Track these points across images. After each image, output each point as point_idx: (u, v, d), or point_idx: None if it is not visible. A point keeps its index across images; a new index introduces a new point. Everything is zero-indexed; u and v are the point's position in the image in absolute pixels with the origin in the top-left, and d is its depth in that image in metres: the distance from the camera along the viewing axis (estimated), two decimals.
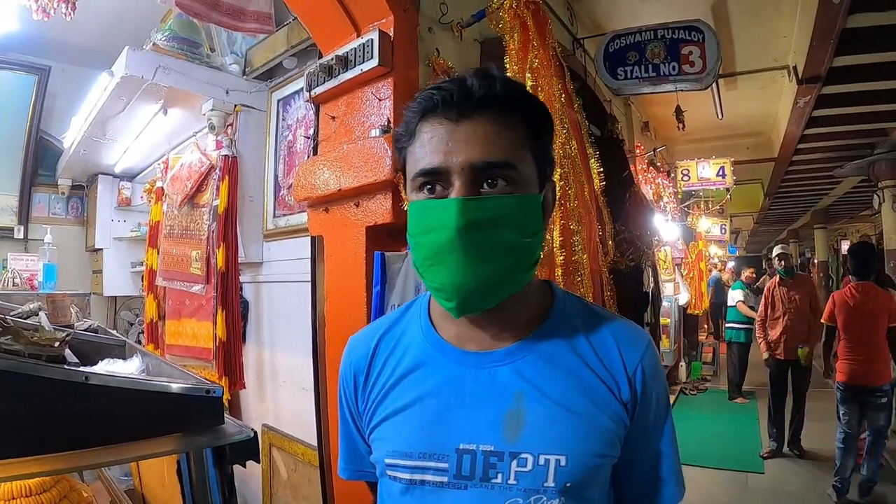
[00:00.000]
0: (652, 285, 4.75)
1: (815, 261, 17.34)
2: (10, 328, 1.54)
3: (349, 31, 2.35)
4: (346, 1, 2.28)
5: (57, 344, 1.62)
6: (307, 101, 2.58)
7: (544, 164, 0.95)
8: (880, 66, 5.50)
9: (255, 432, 1.57)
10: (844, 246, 16.21)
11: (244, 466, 1.56)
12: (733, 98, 7.11)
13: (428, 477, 0.92)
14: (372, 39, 2.17)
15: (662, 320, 7.30)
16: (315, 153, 2.56)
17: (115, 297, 5.58)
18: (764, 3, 4.94)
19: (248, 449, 1.54)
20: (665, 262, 7.48)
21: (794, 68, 5.75)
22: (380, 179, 2.07)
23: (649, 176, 6.71)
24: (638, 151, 6.28)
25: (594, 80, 4.15)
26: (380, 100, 2.23)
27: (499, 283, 0.89)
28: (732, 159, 8.52)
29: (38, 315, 2.21)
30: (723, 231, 12.11)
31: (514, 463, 0.89)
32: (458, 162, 0.86)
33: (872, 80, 5.82)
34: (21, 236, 5.28)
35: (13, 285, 4.30)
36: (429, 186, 0.90)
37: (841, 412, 4.60)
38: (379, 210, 2.16)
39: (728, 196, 9.59)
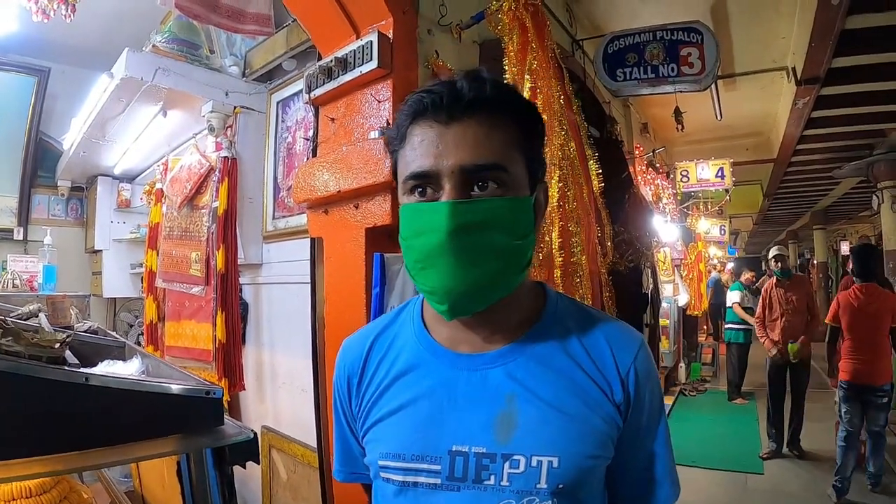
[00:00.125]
0: (651, 286, 4.76)
1: (815, 261, 17.31)
2: (11, 329, 1.54)
3: (348, 33, 2.35)
4: (345, 3, 2.28)
5: (57, 345, 1.63)
6: (306, 102, 2.59)
7: (535, 166, 0.96)
8: (879, 67, 5.51)
9: (255, 433, 1.58)
10: (843, 247, 16.23)
11: (244, 467, 1.56)
12: (732, 99, 7.11)
13: (421, 479, 0.92)
14: (371, 41, 2.17)
15: (662, 321, 7.31)
16: (314, 155, 2.56)
17: (115, 298, 5.56)
18: (763, 5, 4.94)
19: (247, 450, 1.54)
20: (664, 263, 7.49)
21: (793, 69, 5.76)
22: (379, 181, 2.07)
23: (648, 177, 6.72)
24: (637, 153, 6.29)
25: (593, 82, 4.16)
26: (379, 101, 2.23)
27: (490, 285, 0.90)
28: (731, 160, 8.54)
29: (37, 316, 2.21)
30: (722, 232, 12.13)
31: (506, 464, 0.89)
32: (449, 165, 0.86)
33: (871, 80, 5.83)
34: (21, 238, 5.27)
35: (13, 287, 4.31)
36: (420, 189, 0.90)
37: (843, 410, 4.65)
38: (378, 212, 2.16)
39: (727, 197, 9.62)
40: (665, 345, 8.00)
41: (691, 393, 8.87)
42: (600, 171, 2.96)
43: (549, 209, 2.28)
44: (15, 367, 1.35)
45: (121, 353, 2.33)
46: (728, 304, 8.33)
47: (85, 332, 2.45)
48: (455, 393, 0.94)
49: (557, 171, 2.32)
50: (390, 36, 2.22)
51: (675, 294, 8.26)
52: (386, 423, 0.99)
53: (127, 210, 5.33)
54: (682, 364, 9.29)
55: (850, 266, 6.22)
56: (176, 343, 3.70)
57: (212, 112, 3.36)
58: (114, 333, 2.89)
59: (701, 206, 10.22)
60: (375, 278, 2.03)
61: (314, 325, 2.50)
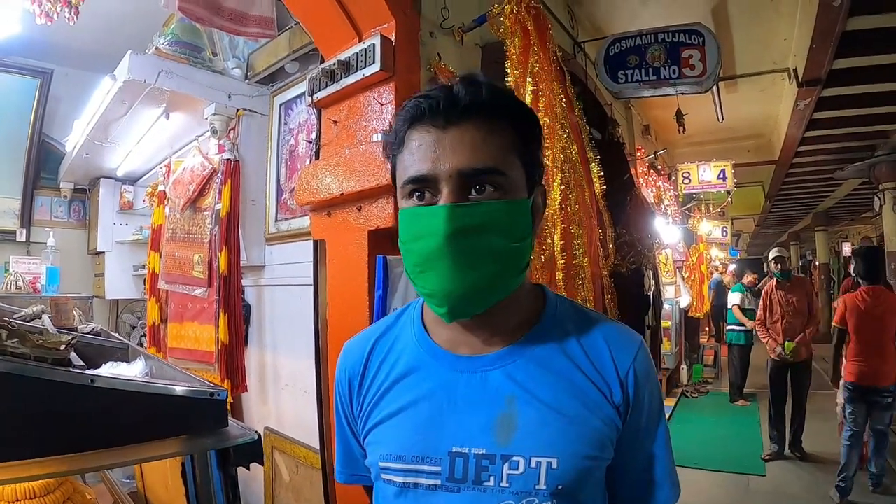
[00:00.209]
0: (653, 288, 4.76)
1: (817, 263, 17.31)
2: (17, 331, 1.55)
3: (351, 36, 2.36)
4: (347, 6, 2.29)
5: (62, 347, 1.63)
6: (309, 105, 2.59)
7: (533, 169, 0.96)
8: (880, 69, 5.51)
9: (260, 434, 1.58)
10: (845, 248, 16.22)
11: (248, 468, 1.57)
12: (734, 101, 7.11)
13: (421, 480, 0.93)
14: (374, 44, 2.18)
15: (664, 323, 7.33)
16: (317, 157, 2.57)
17: (117, 300, 5.57)
18: (764, 6, 4.94)
19: (252, 451, 1.54)
20: (666, 264, 7.49)
21: (795, 71, 5.75)
22: (382, 184, 2.07)
23: (650, 179, 6.71)
24: (639, 154, 6.29)
25: (594, 84, 4.16)
26: (382, 104, 2.24)
27: (488, 288, 0.90)
28: (733, 162, 8.53)
29: (41, 318, 2.22)
30: (724, 234, 12.12)
31: (505, 466, 0.89)
32: (446, 169, 0.87)
33: (872, 82, 5.82)
34: (23, 239, 5.28)
35: (16, 288, 4.31)
36: (418, 193, 0.91)
37: (847, 411, 4.68)
38: (381, 214, 2.17)
39: (729, 199, 9.62)
40: (667, 346, 8.00)
41: (693, 395, 8.86)
42: (602, 173, 2.96)
43: (551, 211, 2.29)
44: (21, 369, 1.36)
45: (124, 355, 2.33)
46: (728, 305, 8.34)
47: (88, 333, 2.45)
48: (455, 395, 0.95)
49: (559, 174, 2.32)
50: (393, 39, 2.22)
51: (676, 296, 8.26)
52: (386, 425, 1.00)
53: (129, 212, 5.34)
54: (683, 366, 9.29)
55: (852, 268, 6.23)
56: (178, 345, 3.71)
57: (214, 114, 3.37)
58: (117, 335, 2.90)
59: (702, 208, 10.22)
60: (378, 280, 2.04)
61: (317, 327, 2.51)
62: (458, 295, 0.89)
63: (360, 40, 2.32)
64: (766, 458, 5.81)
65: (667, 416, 1.04)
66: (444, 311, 0.91)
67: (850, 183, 10.81)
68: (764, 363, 6.23)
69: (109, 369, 1.94)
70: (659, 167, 7.37)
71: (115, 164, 4.93)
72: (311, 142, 2.86)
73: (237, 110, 3.45)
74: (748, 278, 8.27)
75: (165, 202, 3.98)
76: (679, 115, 5.99)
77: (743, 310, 7.95)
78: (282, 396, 3.39)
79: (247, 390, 3.39)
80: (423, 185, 0.90)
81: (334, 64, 2.34)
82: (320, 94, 2.44)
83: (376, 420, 1.01)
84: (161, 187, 4.09)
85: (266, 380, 3.52)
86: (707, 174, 8.51)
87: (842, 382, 4.77)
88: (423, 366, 1.00)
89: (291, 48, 3.20)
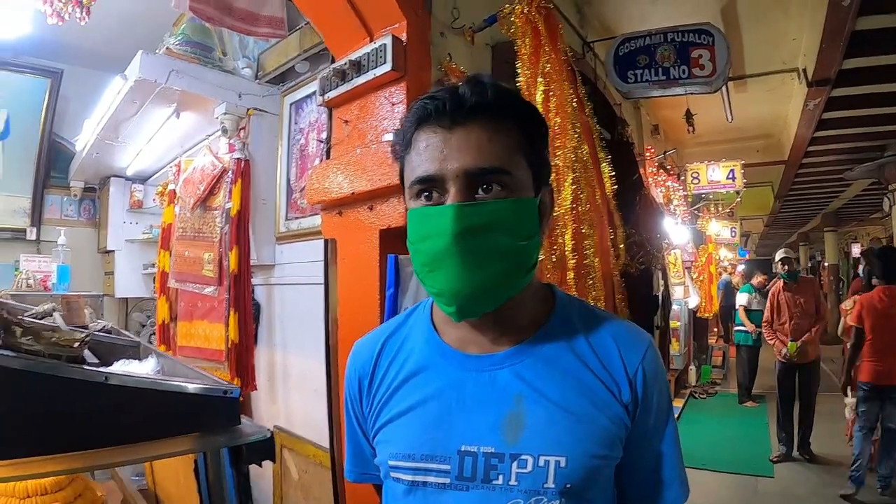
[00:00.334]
0: (662, 288, 4.75)
1: (826, 264, 17.22)
2: (31, 329, 1.56)
3: (362, 36, 2.36)
4: (358, 6, 2.29)
5: (76, 344, 1.64)
6: (320, 105, 2.60)
7: (540, 168, 0.97)
8: (890, 69, 5.47)
9: (272, 432, 1.59)
10: (855, 249, 16.13)
11: (260, 466, 1.58)
12: (743, 101, 7.08)
13: (430, 478, 0.93)
14: (385, 44, 2.18)
15: (672, 324, 7.30)
16: (328, 157, 2.57)
17: (127, 298, 5.60)
18: (773, 6, 4.93)
19: (264, 449, 1.56)
20: (675, 265, 7.47)
21: (804, 71, 5.73)
22: (394, 183, 2.05)
23: (659, 179, 6.69)
24: (648, 155, 6.28)
25: (604, 84, 4.15)
26: (393, 104, 2.24)
27: (496, 287, 0.91)
28: (742, 162, 8.50)
29: (52, 316, 2.23)
30: (733, 234, 12.08)
31: (514, 464, 0.90)
32: (453, 169, 0.88)
33: (882, 82, 5.79)
34: (33, 238, 5.31)
35: (27, 286, 4.34)
36: (426, 194, 0.92)
37: (861, 409, 4.69)
38: (393, 213, 2.17)
39: (738, 199, 9.57)
40: (675, 347, 7.98)
41: (701, 395, 8.84)
42: (613, 173, 2.96)
43: (562, 211, 2.29)
44: (35, 366, 1.37)
45: (135, 353, 2.35)
46: (736, 306, 8.32)
47: (99, 331, 2.47)
48: (464, 394, 0.95)
49: (571, 174, 2.32)
50: (404, 39, 2.22)
51: (685, 296, 8.23)
52: (396, 424, 1.00)
53: (139, 211, 5.36)
54: (692, 366, 9.26)
55: (861, 268, 6.20)
56: (188, 343, 3.72)
57: (225, 114, 3.38)
58: (127, 333, 2.91)
59: (712, 208, 10.18)
60: (389, 279, 2.04)
61: (327, 326, 2.51)
62: (467, 294, 0.89)
63: (371, 40, 2.32)
64: (775, 459, 5.78)
65: (675, 416, 1.04)
66: (452, 310, 0.92)
67: (860, 183, 10.76)
68: (772, 364, 6.22)
69: (121, 367, 1.95)
70: (668, 167, 7.35)
71: (125, 164, 4.95)
72: (321, 141, 2.87)
73: (247, 110, 3.46)
74: (758, 279, 8.24)
75: (175, 201, 3.99)
76: (689, 115, 5.99)
77: (750, 311, 7.90)
78: (291, 395, 3.40)
79: (256, 389, 3.40)
80: (430, 186, 0.91)
81: (345, 64, 2.35)
82: (331, 94, 2.45)
83: (386, 419, 1.02)
84: (171, 186, 4.10)
85: (276, 378, 3.53)
86: (716, 174, 8.48)
87: (858, 383, 4.75)
88: (433, 365, 1.00)
89: (302, 48, 3.20)
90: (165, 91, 3.32)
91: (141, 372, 1.87)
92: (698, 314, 9.49)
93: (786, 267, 6.03)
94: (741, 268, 13.87)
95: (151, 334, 4.89)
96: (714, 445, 6.30)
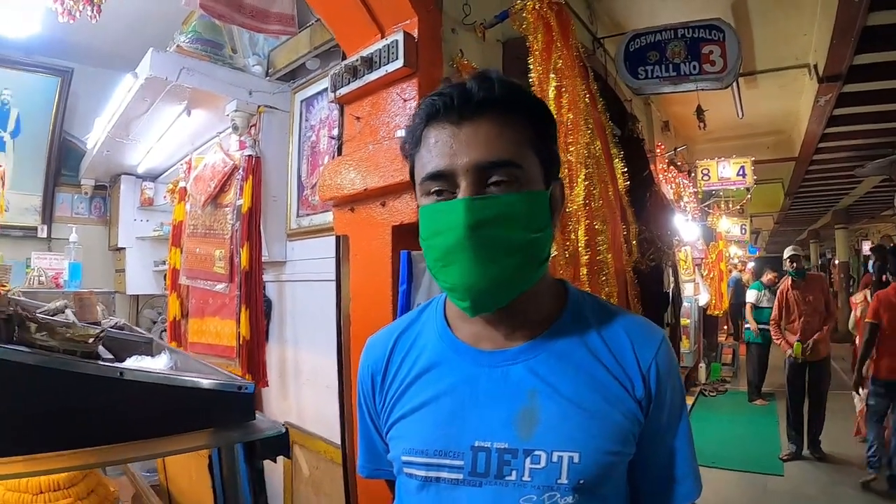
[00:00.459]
0: (672, 285, 4.74)
1: (836, 261, 17.12)
2: (46, 324, 1.56)
3: (373, 33, 2.36)
4: (369, 2, 2.28)
5: (91, 340, 1.65)
6: (332, 101, 2.60)
7: (549, 161, 0.97)
8: None
9: (287, 428, 1.59)
10: (865, 246, 16.01)
11: (275, 461, 1.58)
12: (754, 97, 7.04)
13: (443, 474, 0.94)
14: (396, 41, 2.18)
15: (682, 321, 7.28)
16: (339, 153, 2.57)
17: (137, 295, 5.63)
18: (784, 2, 4.89)
19: (278, 444, 1.56)
20: (685, 262, 7.44)
21: (815, 66, 5.69)
22: (406, 179, 2.05)
23: (669, 175, 6.68)
24: (658, 151, 6.26)
25: (614, 80, 4.14)
26: (405, 100, 2.24)
27: (509, 280, 0.91)
28: (753, 158, 8.44)
29: (64, 312, 2.24)
30: (743, 231, 12.03)
31: (527, 460, 0.90)
32: (463, 163, 0.88)
33: (893, 78, 5.74)
34: (44, 235, 5.34)
35: (38, 283, 4.35)
36: (437, 189, 0.92)
37: (871, 402, 4.74)
38: (405, 209, 2.17)
39: (748, 196, 9.52)
40: (685, 344, 7.97)
41: (711, 393, 8.82)
42: (625, 169, 2.95)
43: (575, 207, 2.29)
44: (50, 361, 1.37)
45: (148, 349, 2.36)
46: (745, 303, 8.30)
47: (112, 328, 2.47)
48: (477, 389, 0.95)
49: (583, 170, 2.31)
50: (415, 35, 2.22)
51: (695, 293, 8.21)
52: (409, 420, 1.00)
53: (150, 208, 5.39)
54: (702, 364, 9.25)
55: (870, 263, 6.18)
56: (199, 339, 3.74)
57: (236, 111, 3.39)
58: (139, 329, 2.92)
59: (722, 205, 10.14)
60: (402, 275, 2.04)
61: (339, 322, 2.51)
62: (480, 288, 0.90)
63: (382, 37, 2.32)
64: (784, 458, 5.76)
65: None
66: (466, 304, 0.92)
67: (871, 180, 10.68)
68: (782, 362, 6.19)
69: (135, 363, 1.95)
70: (678, 163, 7.33)
71: (135, 161, 4.97)
72: (333, 138, 2.87)
73: (258, 107, 3.47)
74: (768, 276, 8.21)
75: (186, 198, 4.01)
76: (699, 112, 5.96)
77: (759, 308, 7.87)
78: (303, 391, 3.41)
79: (268, 385, 3.41)
80: (441, 181, 0.91)
81: (357, 60, 2.35)
82: (343, 91, 2.44)
83: (399, 415, 1.02)
84: (182, 184, 4.12)
85: (287, 375, 3.54)
86: (727, 171, 8.43)
87: (871, 379, 4.74)
88: (446, 360, 1.00)
89: (312, 45, 3.21)
90: (176, 89, 3.33)
91: (155, 368, 1.87)
92: (708, 311, 9.46)
93: (794, 264, 6.01)
94: (751, 265, 13.83)
95: (162, 331, 4.91)
96: (724, 443, 6.28)
